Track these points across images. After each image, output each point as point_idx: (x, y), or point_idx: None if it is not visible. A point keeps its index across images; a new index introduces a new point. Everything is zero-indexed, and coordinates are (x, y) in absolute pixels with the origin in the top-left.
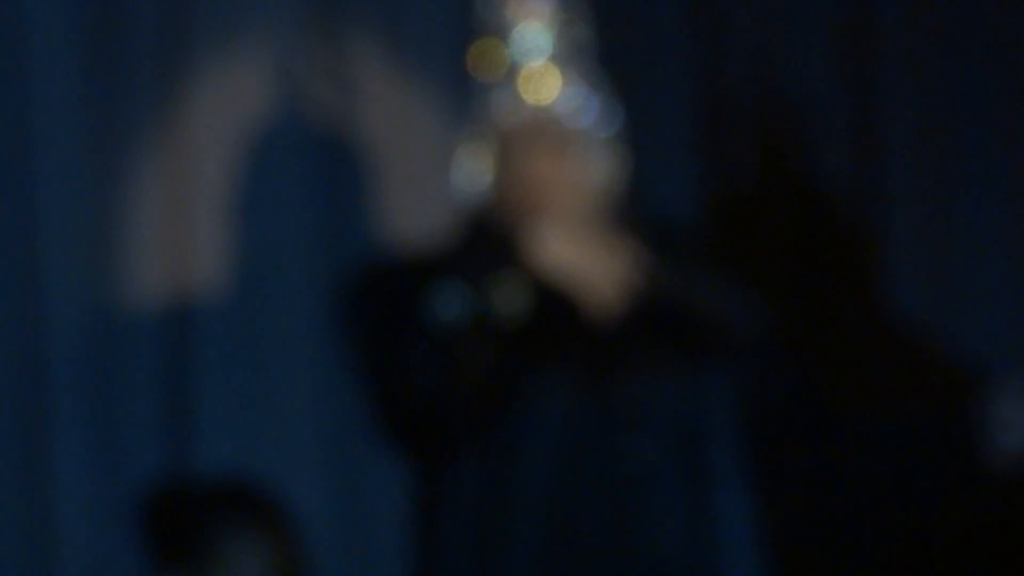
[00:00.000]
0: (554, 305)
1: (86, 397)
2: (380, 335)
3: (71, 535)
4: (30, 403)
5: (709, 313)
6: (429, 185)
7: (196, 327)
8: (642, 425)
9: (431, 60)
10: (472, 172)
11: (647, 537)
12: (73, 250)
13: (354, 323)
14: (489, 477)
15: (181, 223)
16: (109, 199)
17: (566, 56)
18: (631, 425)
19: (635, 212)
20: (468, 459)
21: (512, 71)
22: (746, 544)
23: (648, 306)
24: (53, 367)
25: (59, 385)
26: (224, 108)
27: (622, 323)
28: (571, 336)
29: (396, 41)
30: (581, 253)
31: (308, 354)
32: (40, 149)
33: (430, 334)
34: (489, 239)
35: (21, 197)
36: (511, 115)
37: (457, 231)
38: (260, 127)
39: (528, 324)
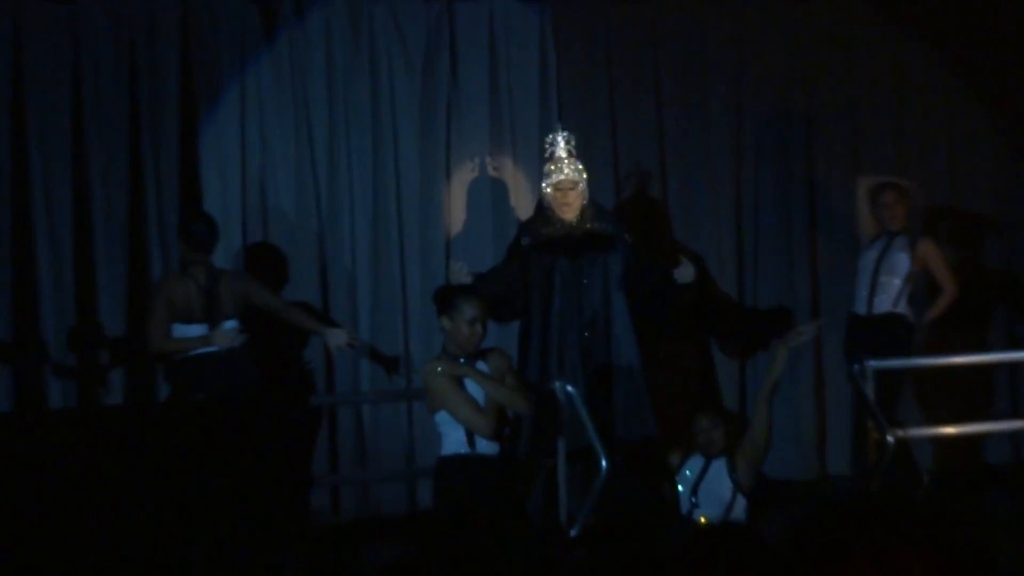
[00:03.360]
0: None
1: (421, 270)
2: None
3: (414, 306)
4: (395, 286)
5: (610, 235)
6: (531, 200)
7: (453, 253)
8: (590, 272)
9: (529, 157)
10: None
11: (589, 307)
12: (416, 229)
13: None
14: (543, 292)
15: (447, 213)
16: (430, 203)
17: (573, 155)
18: (587, 273)
19: (592, 203)
20: (535, 292)
21: (554, 162)
22: (625, 316)
23: (591, 230)
24: (410, 268)
25: (410, 275)
26: (461, 172)
27: (582, 237)
28: (563, 243)
29: (514, 147)
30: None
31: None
32: (403, 165)
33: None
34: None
35: (392, 194)
36: (558, 176)
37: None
38: (472, 179)
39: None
